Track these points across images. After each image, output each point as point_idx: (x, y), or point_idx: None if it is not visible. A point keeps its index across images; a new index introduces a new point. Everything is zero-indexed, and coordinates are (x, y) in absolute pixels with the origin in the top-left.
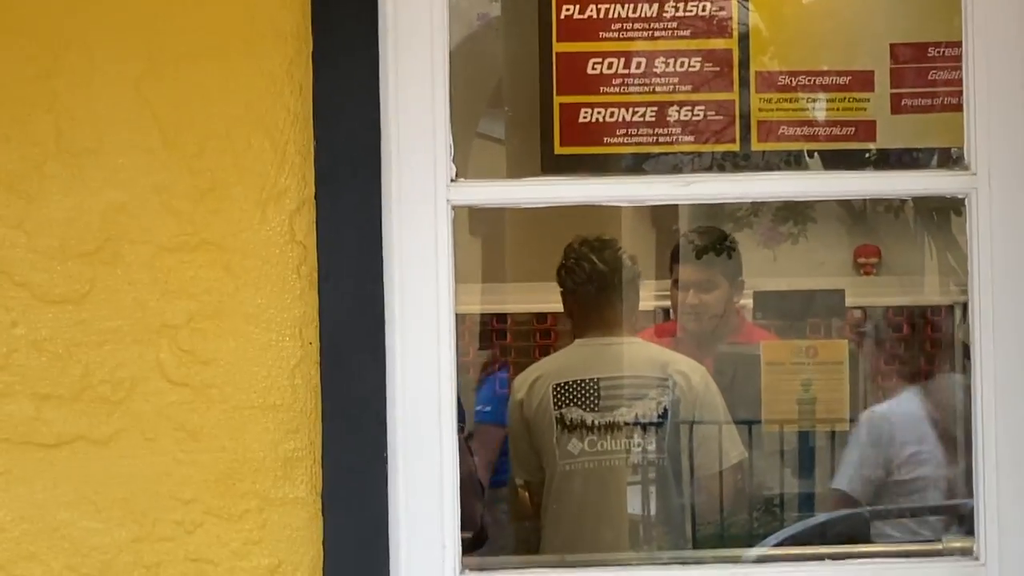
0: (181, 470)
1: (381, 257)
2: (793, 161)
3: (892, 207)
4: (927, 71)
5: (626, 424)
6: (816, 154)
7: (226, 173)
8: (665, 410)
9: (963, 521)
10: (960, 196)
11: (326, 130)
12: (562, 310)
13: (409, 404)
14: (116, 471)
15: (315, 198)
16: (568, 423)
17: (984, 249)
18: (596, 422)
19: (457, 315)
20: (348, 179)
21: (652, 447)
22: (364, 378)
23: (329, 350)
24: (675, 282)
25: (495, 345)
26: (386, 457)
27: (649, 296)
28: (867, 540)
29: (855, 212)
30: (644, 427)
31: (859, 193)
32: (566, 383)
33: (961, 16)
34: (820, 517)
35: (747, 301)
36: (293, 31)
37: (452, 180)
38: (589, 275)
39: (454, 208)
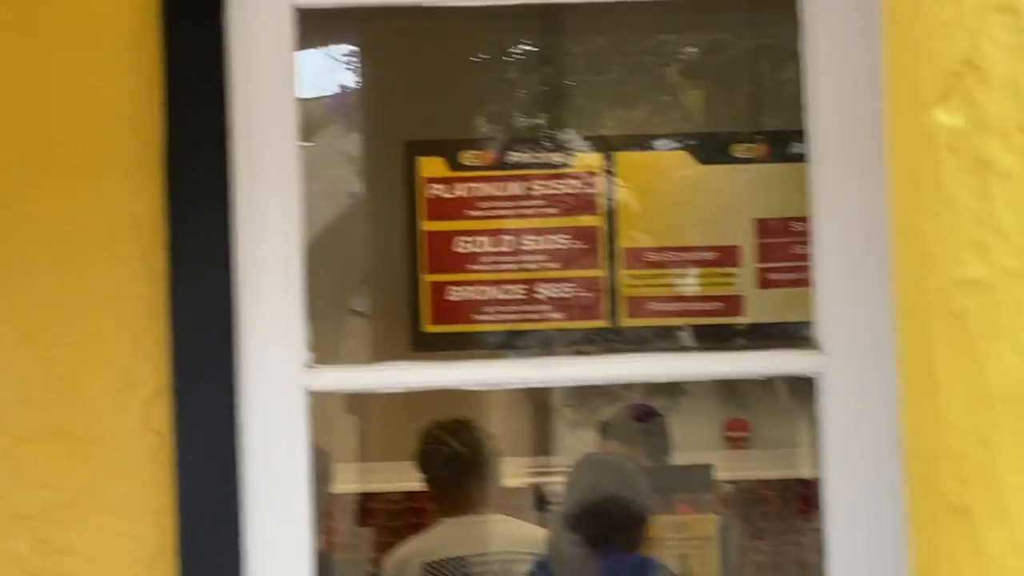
0: None
1: (237, 445)
2: (665, 335)
3: (763, 381)
4: (791, 245)
5: None
6: (687, 328)
7: (81, 363)
8: None
9: None
10: (810, 375)
11: (181, 319)
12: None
13: None
14: None
15: (171, 387)
16: None
17: (835, 429)
18: None
19: (333, 495)
20: (203, 368)
21: None
22: (221, 569)
23: (186, 540)
24: None
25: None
26: None
27: (523, 472)
28: None
29: (728, 385)
30: None
31: (715, 374)
32: (436, 562)
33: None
34: None
35: None
36: (149, 222)
37: (308, 366)
38: (448, 458)
39: (310, 394)
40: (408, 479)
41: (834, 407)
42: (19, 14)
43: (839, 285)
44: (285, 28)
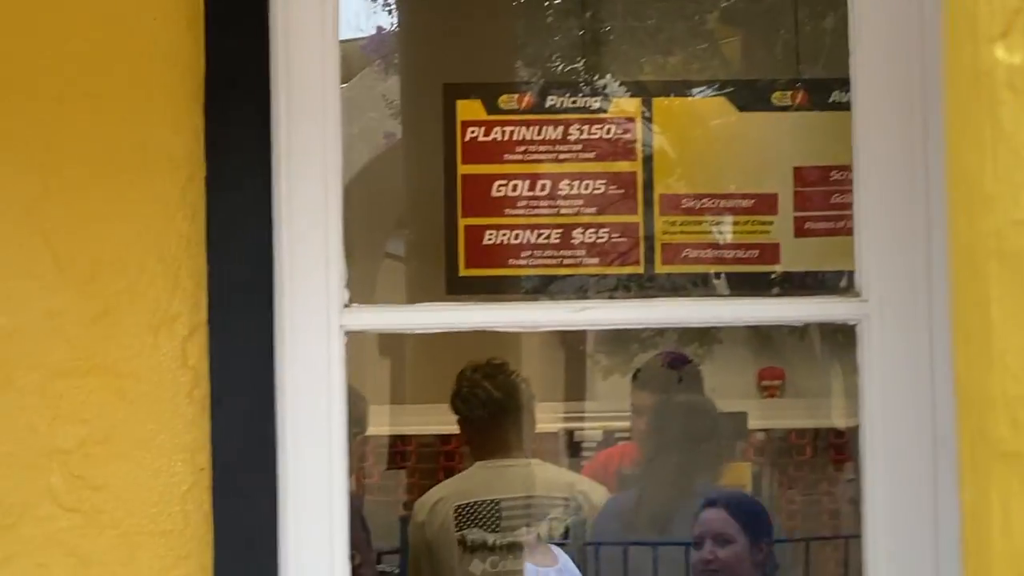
0: None
1: (273, 383)
2: (700, 283)
3: (796, 330)
4: (830, 194)
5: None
6: (723, 275)
7: (118, 298)
8: (567, 530)
9: None
10: (851, 323)
11: (219, 255)
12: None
13: (301, 530)
14: None
15: (208, 323)
16: (470, 544)
17: (875, 377)
18: (498, 543)
19: (365, 437)
20: (240, 304)
21: None
22: (255, 505)
23: (221, 477)
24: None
25: (401, 465)
26: None
27: (556, 418)
28: None
29: (761, 334)
30: None
31: (751, 319)
32: (467, 504)
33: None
34: None
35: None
36: (186, 156)
37: (345, 305)
38: (484, 401)
39: (347, 334)
40: (441, 422)
41: (874, 354)
42: None
43: (880, 233)
44: None
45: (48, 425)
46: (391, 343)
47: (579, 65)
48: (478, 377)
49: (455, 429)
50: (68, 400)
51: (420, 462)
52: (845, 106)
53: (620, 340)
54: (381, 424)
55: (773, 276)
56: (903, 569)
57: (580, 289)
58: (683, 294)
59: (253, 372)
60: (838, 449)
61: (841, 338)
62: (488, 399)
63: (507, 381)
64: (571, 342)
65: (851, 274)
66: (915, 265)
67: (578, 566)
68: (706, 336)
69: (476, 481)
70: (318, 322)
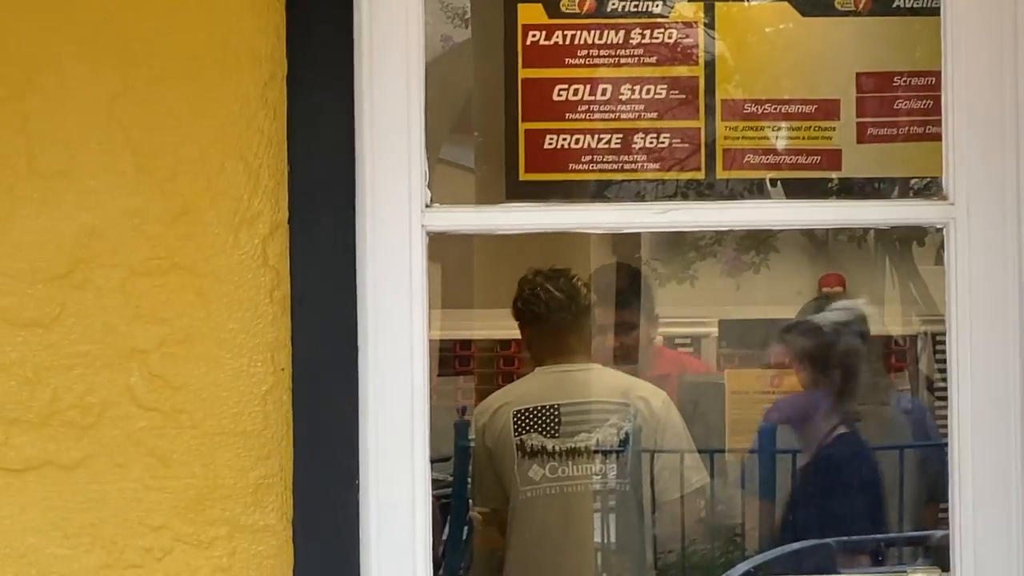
0: (151, 496)
1: (355, 283)
2: (757, 189)
3: (855, 236)
4: (893, 100)
5: (587, 450)
6: (779, 183)
7: (199, 197)
8: (626, 436)
9: (931, 553)
10: (939, 226)
11: (300, 154)
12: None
13: (382, 431)
14: (85, 497)
15: (289, 223)
16: (529, 450)
17: (963, 279)
18: (557, 448)
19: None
20: (322, 204)
21: (613, 473)
22: (336, 405)
23: (301, 376)
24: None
25: (459, 371)
26: (358, 484)
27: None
28: (833, 571)
29: (818, 241)
30: (605, 453)
31: (839, 222)
32: (526, 410)
33: (930, 45)
34: (786, 548)
35: (711, 330)
36: (268, 54)
37: (427, 206)
38: (546, 305)
39: (429, 234)
40: (500, 327)
41: (962, 258)
42: None
43: (968, 137)
44: None
45: (127, 324)
46: (447, 246)
47: None
48: (540, 280)
49: (514, 334)
50: (148, 299)
51: (480, 367)
52: (910, 11)
53: (677, 247)
54: (437, 328)
55: (831, 184)
56: (988, 474)
57: (638, 194)
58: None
59: (334, 272)
60: (897, 356)
61: (899, 246)
62: (550, 301)
63: (569, 285)
64: (627, 248)
65: (909, 181)
66: (1004, 169)
67: (635, 472)
68: (763, 244)
69: (536, 386)
70: (400, 222)
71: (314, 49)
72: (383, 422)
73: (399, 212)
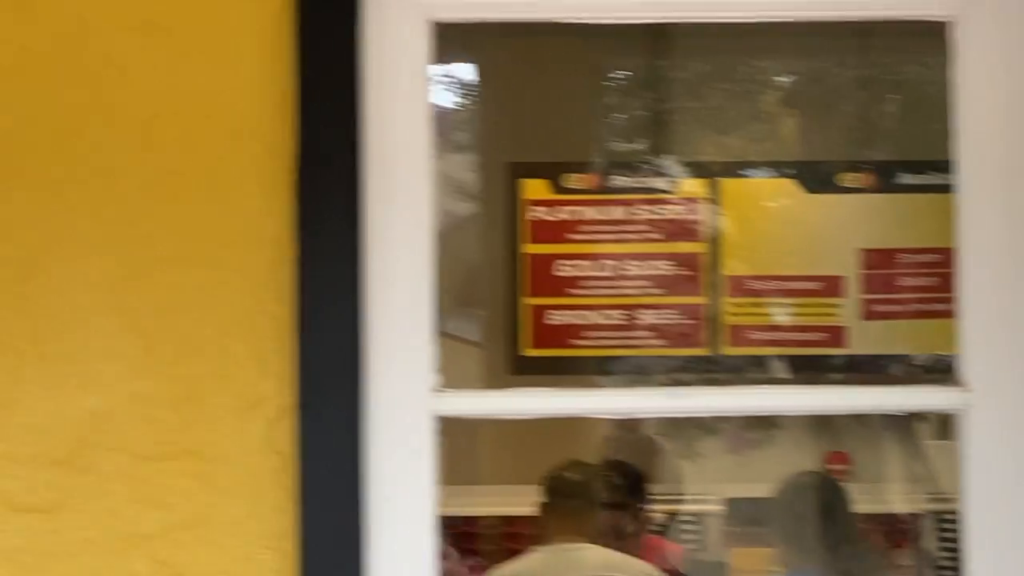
0: None
1: (362, 468)
2: (762, 365)
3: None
4: (899, 277)
5: None
6: (786, 358)
7: (206, 381)
8: None
9: None
10: (955, 412)
11: (308, 338)
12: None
13: None
14: None
15: (296, 407)
16: None
17: (979, 465)
18: None
19: None
20: (330, 388)
21: None
22: None
23: (307, 565)
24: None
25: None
26: None
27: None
28: None
29: (822, 418)
30: None
31: (850, 408)
32: None
33: (936, 222)
34: None
35: (718, 508)
36: (276, 236)
37: (436, 390)
38: (566, 490)
39: (438, 419)
40: (506, 504)
41: (978, 443)
42: (149, 21)
43: (985, 319)
44: (420, 42)
45: (132, 510)
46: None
47: (643, 145)
48: (568, 467)
49: (515, 511)
50: (153, 484)
51: (485, 544)
52: (916, 188)
53: (681, 423)
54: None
55: (837, 360)
56: None
57: (642, 370)
58: (746, 377)
59: (341, 456)
60: (905, 535)
61: (904, 422)
62: (571, 488)
63: (593, 474)
64: (631, 423)
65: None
66: (1021, 353)
67: None
68: (764, 420)
69: (536, 564)
70: (408, 406)
71: (322, 232)
72: None
73: (407, 396)
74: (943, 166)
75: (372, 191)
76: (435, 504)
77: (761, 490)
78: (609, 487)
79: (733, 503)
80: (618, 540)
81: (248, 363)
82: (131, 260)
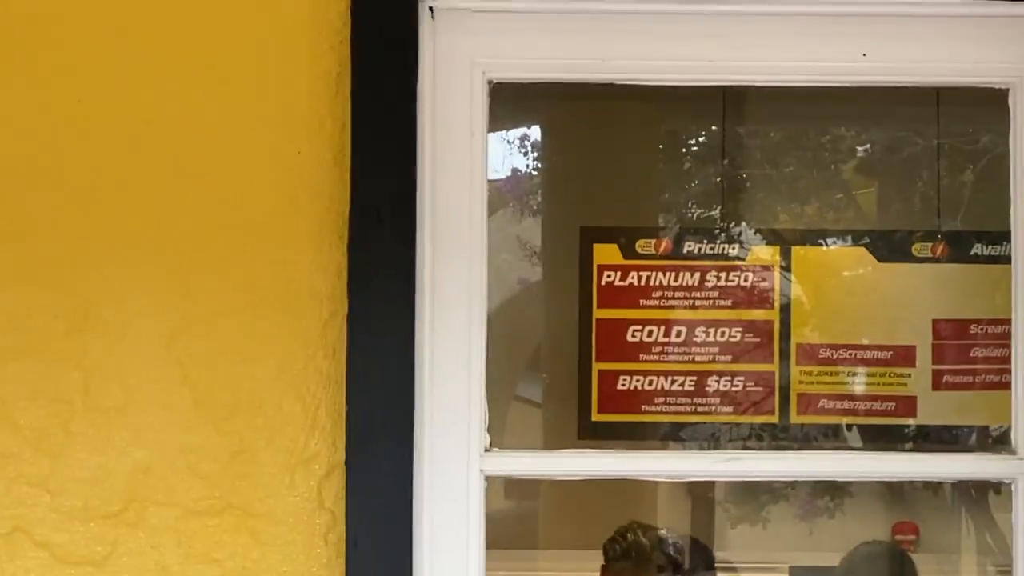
0: None
1: (411, 527)
2: (831, 434)
3: (930, 484)
4: (969, 348)
5: None
6: (855, 427)
7: (255, 436)
8: None
9: None
10: (1007, 480)
11: (359, 395)
12: None
13: None
14: None
15: (345, 464)
16: None
17: None
18: None
19: None
20: (380, 445)
21: None
22: None
23: None
24: None
25: None
26: None
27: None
28: None
29: (893, 487)
30: None
31: (902, 475)
32: None
33: (1008, 293)
34: None
35: None
36: (328, 292)
37: (486, 450)
38: (628, 552)
39: (487, 478)
40: (566, 569)
41: None
42: (203, 73)
43: None
44: (478, 100)
45: (180, 564)
46: (515, 486)
47: (716, 212)
48: (634, 530)
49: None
50: (201, 539)
51: None
52: (988, 259)
53: (750, 490)
54: (505, 571)
55: (907, 431)
56: None
57: (712, 436)
58: (815, 445)
59: (390, 515)
60: None
61: (975, 494)
62: (634, 551)
63: (652, 535)
64: (699, 489)
65: (988, 429)
66: None
67: None
68: (837, 489)
69: None
70: (458, 466)
71: (375, 289)
72: None
73: (458, 456)
74: None
75: (426, 249)
76: (483, 563)
77: (828, 559)
78: (670, 551)
79: (796, 572)
80: None
81: (298, 419)
82: (182, 314)
